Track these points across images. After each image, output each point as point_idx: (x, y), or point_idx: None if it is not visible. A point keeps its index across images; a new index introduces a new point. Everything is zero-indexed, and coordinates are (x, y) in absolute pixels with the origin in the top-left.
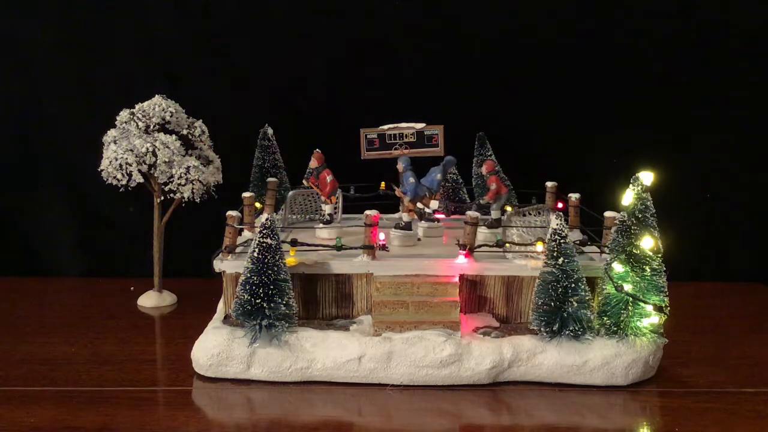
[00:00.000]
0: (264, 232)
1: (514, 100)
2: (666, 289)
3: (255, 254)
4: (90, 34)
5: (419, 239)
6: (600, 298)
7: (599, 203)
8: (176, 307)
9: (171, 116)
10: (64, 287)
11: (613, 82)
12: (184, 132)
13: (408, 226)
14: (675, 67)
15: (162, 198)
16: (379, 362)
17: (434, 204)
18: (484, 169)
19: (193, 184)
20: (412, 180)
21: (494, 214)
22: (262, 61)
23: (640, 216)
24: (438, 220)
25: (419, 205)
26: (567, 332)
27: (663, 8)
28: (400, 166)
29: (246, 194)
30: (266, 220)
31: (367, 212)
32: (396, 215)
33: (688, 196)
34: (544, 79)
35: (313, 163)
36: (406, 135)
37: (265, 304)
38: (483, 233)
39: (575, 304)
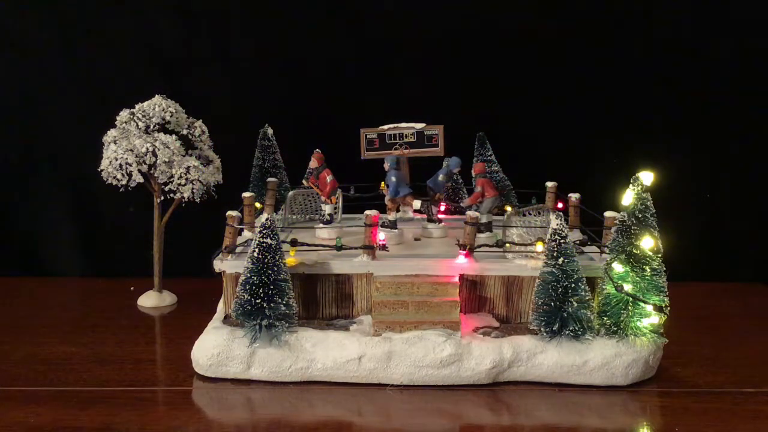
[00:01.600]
0: (264, 232)
1: (514, 100)
2: (666, 289)
3: (255, 254)
4: (90, 34)
5: (418, 239)
6: (600, 298)
7: (599, 203)
8: (176, 307)
9: (171, 116)
10: (64, 287)
11: (614, 82)
12: (184, 132)
13: (394, 225)
14: (675, 67)
15: (162, 198)
16: (379, 362)
17: (416, 204)
18: (473, 171)
19: (193, 184)
20: (393, 179)
21: (483, 218)
22: (262, 61)
23: (640, 216)
24: (440, 220)
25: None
26: (567, 332)
27: (663, 8)
28: (386, 165)
29: (246, 194)
30: (266, 220)
31: (367, 212)
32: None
33: (688, 196)
34: (544, 79)
35: (313, 163)
36: (406, 135)
37: (265, 304)
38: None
39: (575, 304)
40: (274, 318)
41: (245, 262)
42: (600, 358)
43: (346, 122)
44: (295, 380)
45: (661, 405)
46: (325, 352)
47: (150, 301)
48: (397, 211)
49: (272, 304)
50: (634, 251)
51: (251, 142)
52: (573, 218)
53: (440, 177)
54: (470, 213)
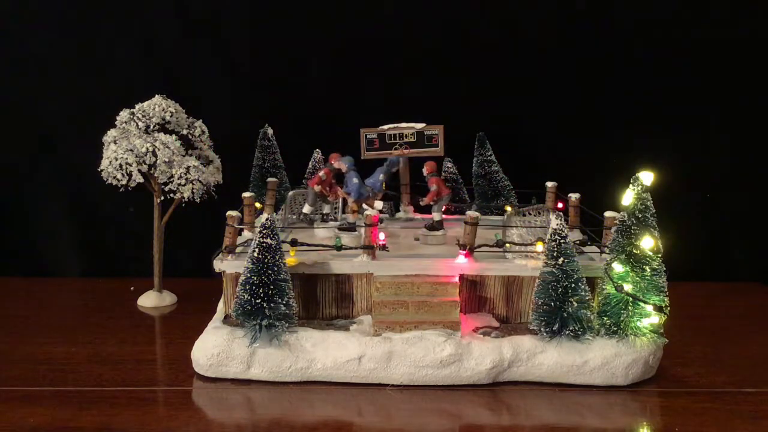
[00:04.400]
0: (264, 232)
1: (514, 100)
2: (666, 289)
3: (255, 254)
4: (90, 34)
5: (417, 239)
6: (600, 298)
7: (599, 203)
8: (176, 307)
9: (171, 116)
10: (64, 287)
11: (613, 82)
12: (184, 132)
13: (352, 227)
14: (675, 67)
15: (162, 198)
16: (379, 362)
17: (378, 204)
18: (425, 170)
19: (193, 184)
20: (356, 180)
21: (435, 216)
22: (262, 61)
23: (640, 216)
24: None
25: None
26: (567, 332)
27: (663, 9)
28: (343, 167)
29: (246, 194)
30: (266, 220)
31: (367, 212)
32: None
33: (688, 196)
34: (544, 79)
35: (343, 168)
36: (406, 135)
37: (265, 304)
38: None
39: (575, 304)
40: (274, 318)
41: (245, 262)
42: (600, 358)
43: (346, 122)
44: (295, 380)
45: (661, 405)
46: (325, 352)
47: (150, 301)
48: (360, 212)
49: (272, 304)
50: (634, 251)
51: (251, 142)
52: (573, 218)
53: (380, 176)
54: (470, 213)
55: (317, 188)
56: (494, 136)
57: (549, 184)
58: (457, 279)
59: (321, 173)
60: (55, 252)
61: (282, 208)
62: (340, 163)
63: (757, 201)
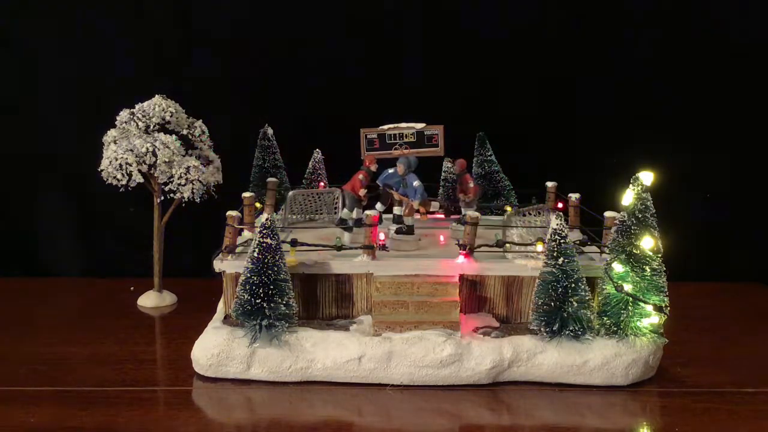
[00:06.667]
0: (264, 232)
1: (514, 100)
2: (666, 289)
3: (255, 254)
4: (90, 34)
5: (419, 239)
6: (600, 298)
7: (599, 203)
8: (176, 307)
9: (171, 116)
10: (64, 287)
11: (614, 82)
12: (184, 132)
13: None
14: (675, 67)
15: (162, 198)
16: (379, 362)
17: (435, 205)
18: (456, 169)
19: (193, 184)
20: (417, 183)
21: (470, 212)
22: (262, 61)
23: (640, 216)
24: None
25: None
26: (567, 332)
27: (663, 8)
28: (401, 169)
29: (246, 194)
30: (266, 220)
31: (367, 212)
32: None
33: (688, 196)
34: (543, 79)
35: (401, 170)
36: (406, 135)
37: (265, 304)
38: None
39: (575, 304)
40: (274, 318)
41: (245, 262)
42: (600, 358)
43: (346, 122)
44: (295, 380)
45: (661, 405)
46: (325, 352)
47: (150, 301)
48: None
49: (272, 304)
50: (634, 251)
51: (251, 142)
52: (573, 218)
53: (414, 183)
54: (470, 213)
55: (362, 193)
56: (494, 136)
57: (549, 184)
58: (457, 279)
59: (361, 177)
60: (55, 252)
61: (282, 208)
62: (399, 165)
63: (757, 201)
